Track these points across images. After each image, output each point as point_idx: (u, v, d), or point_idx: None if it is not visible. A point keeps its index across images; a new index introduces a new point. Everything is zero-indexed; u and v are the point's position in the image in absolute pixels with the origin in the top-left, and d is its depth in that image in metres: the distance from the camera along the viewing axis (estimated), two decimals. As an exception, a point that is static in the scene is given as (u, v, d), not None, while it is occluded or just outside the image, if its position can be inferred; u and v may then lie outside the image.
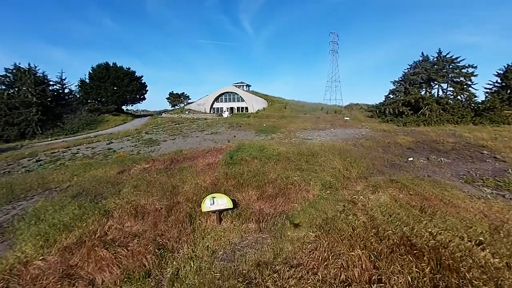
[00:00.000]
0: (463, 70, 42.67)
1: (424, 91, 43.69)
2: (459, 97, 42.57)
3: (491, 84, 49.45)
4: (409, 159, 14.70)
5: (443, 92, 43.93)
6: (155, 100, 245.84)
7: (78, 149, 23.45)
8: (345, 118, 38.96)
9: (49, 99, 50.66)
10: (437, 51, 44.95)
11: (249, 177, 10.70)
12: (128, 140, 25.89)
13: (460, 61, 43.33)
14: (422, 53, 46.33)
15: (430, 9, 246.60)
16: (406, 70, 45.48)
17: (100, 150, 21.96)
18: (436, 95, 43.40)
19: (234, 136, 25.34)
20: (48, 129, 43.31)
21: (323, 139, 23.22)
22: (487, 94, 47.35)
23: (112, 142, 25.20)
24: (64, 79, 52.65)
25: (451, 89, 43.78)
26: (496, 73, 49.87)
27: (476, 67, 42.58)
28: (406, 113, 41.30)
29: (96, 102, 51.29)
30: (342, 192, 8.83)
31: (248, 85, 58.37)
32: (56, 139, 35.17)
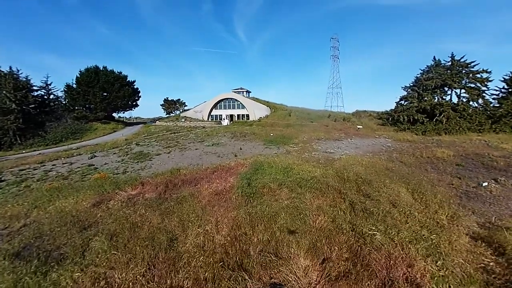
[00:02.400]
0: (477, 75, 40.15)
1: (437, 97, 40.99)
2: (471, 103, 40.09)
3: (497, 90, 47.03)
4: (483, 184, 11.17)
5: (458, 98, 41.14)
6: (149, 107, 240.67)
7: (54, 164, 19.39)
8: (358, 127, 35.73)
9: (32, 105, 46.37)
10: (450, 55, 42.25)
11: (288, 223, 6.97)
12: (114, 153, 21.90)
13: (474, 65, 40.80)
14: (434, 57, 43.79)
15: (421, 18, 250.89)
16: (418, 75, 42.75)
17: (79, 167, 17.95)
18: (450, 102, 40.66)
19: (240, 148, 21.61)
20: (28, 138, 38.93)
21: (346, 152, 19.69)
22: (494, 101, 44.81)
23: (95, 156, 21.18)
24: (50, 84, 48.48)
25: (465, 95, 41.07)
26: (503, 79, 47.50)
27: (490, 72, 40.04)
28: (421, 121, 38.35)
29: (83, 109, 47.04)
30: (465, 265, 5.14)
31: (248, 91, 54.97)
32: (35, 150, 30.95)
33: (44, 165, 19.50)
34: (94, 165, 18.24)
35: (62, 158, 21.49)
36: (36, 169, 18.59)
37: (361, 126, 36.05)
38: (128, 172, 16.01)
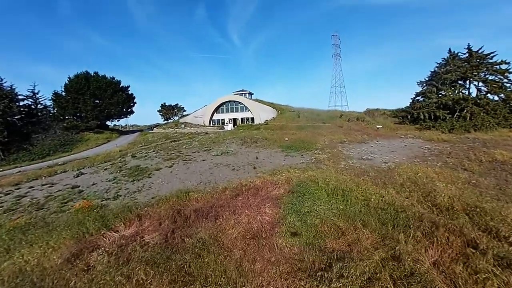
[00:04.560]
0: (496, 67, 37.27)
1: (456, 92, 37.98)
2: (490, 97, 37.32)
3: (508, 83, 44.24)
4: None
5: (479, 91, 38.14)
6: (146, 114, 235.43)
7: (31, 187, 15.79)
8: (377, 126, 32.54)
9: (17, 116, 42.59)
10: (467, 47, 39.30)
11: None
12: (106, 168, 18.31)
13: (493, 56, 37.86)
14: (450, 49, 41.00)
15: (417, 14, 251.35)
16: (436, 69, 39.75)
17: (60, 190, 14.38)
18: (468, 95, 37.62)
19: (257, 158, 18.16)
20: (13, 153, 35.03)
21: (386, 158, 16.34)
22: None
23: (82, 174, 17.59)
24: (37, 93, 44.77)
25: (484, 88, 38.17)
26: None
27: (509, 63, 37.14)
28: (442, 117, 35.25)
29: (73, 118, 43.26)
30: None
31: (250, 93, 51.54)
32: (17, 166, 27.19)
33: (19, 188, 15.91)
34: (79, 186, 14.66)
35: (43, 178, 17.85)
36: (8, 193, 15.00)
37: (380, 126, 32.85)
38: (120, 196, 12.45)
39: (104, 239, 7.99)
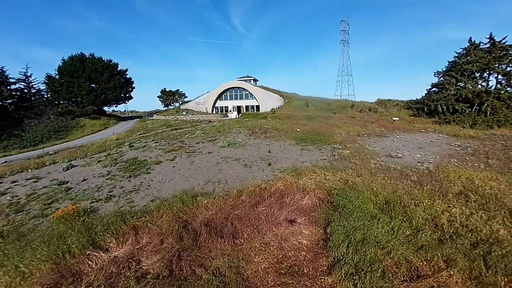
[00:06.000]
0: (519, 58, 34.69)
1: (476, 84, 35.56)
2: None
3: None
4: None
5: (499, 84, 35.70)
6: (145, 99, 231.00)
7: (15, 181, 13.88)
8: (394, 118, 30.42)
9: (8, 100, 40.21)
10: (488, 36, 36.43)
11: None
12: (99, 160, 16.35)
13: (516, 46, 35.12)
14: (470, 38, 38.11)
15: (420, 6, 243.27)
16: (455, 59, 37.06)
17: (46, 187, 12.48)
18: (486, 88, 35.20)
19: (269, 152, 16.18)
20: (3, 139, 32.98)
21: (416, 156, 14.40)
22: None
23: (73, 166, 15.66)
24: (30, 76, 42.10)
25: (504, 81, 35.80)
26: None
27: None
28: (461, 111, 33.05)
29: (68, 103, 40.85)
30: None
31: (255, 80, 48.78)
32: (5, 155, 25.22)
33: (1, 182, 13.98)
34: (67, 182, 12.74)
35: (30, 170, 15.92)
36: (-13, 188, 13.05)
37: (397, 118, 30.72)
38: (114, 196, 10.54)
39: (90, 262, 6.12)
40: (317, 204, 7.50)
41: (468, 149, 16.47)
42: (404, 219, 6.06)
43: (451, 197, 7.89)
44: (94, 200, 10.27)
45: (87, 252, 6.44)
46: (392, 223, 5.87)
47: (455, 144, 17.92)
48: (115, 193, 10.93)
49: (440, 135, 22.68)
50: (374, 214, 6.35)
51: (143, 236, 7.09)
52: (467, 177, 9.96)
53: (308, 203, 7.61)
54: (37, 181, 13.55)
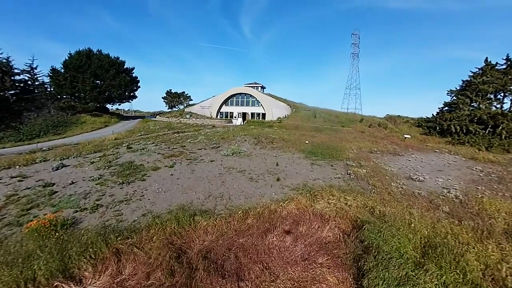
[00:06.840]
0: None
1: (489, 104, 34.38)
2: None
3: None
4: None
5: (512, 106, 34.48)
6: (150, 99, 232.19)
7: (-1, 178, 12.63)
8: (405, 136, 29.12)
9: (11, 92, 39.42)
10: (505, 58, 35.47)
11: None
12: (93, 162, 15.13)
13: (533, 69, 34.11)
14: (486, 59, 37.15)
15: (427, 22, 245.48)
16: (471, 78, 35.98)
17: (29, 188, 11.23)
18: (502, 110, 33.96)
19: (277, 164, 14.91)
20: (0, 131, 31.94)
21: (439, 180, 13.06)
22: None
23: (64, 166, 14.45)
24: (35, 68, 41.43)
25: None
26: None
27: None
28: (474, 132, 31.78)
29: (71, 98, 40.00)
30: None
31: (263, 87, 47.86)
32: (4, 147, 24.14)
33: (-17, 179, 12.73)
34: (53, 184, 11.49)
35: (18, 166, 14.74)
36: (-34, 185, 11.82)
37: (408, 136, 29.44)
38: (101, 206, 9.25)
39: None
40: (340, 238, 6.18)
41: (492, 175, 15.12)
42: (458, 270, 4.73)
43: (499, 238, 6.55)
44: (78, 209, 8.98)
45: (55, 284, 5.13)
46: (444, 277, 4.53)
47: (476, 168, 16.56)
48: (103, 202, 9.64)
49: (457, 156, 21.31)
50: (417, 261, 5.02)
51: (127, 265, 5.77)
52: (507, 211, 8.62)
53: (329, 236, 6.29)
54: (22, 180, 12.31)
